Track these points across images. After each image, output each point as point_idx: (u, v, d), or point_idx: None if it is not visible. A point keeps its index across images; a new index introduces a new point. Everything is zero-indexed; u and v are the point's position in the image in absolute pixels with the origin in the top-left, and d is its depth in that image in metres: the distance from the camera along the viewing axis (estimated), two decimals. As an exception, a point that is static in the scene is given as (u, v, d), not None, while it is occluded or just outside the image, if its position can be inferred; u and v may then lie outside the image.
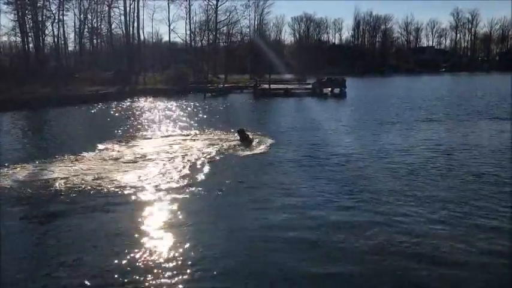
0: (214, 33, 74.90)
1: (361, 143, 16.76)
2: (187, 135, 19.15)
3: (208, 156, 14.23)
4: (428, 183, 11.04)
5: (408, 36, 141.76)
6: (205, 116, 27.06)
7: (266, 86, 48.48)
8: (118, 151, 15.41)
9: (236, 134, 17.22)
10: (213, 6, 73.42)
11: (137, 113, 29.99)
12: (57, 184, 11.07)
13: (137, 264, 7.01)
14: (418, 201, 9.76)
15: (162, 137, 19.11)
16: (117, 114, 28.97)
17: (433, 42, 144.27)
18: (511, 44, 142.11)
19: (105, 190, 10.57)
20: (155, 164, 13.26)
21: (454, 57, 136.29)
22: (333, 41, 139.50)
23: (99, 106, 34.36)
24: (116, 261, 7.06)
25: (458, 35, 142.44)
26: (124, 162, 13.52)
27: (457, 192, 10.38)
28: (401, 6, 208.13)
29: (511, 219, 8.75)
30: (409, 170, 12.35)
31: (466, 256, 7.26)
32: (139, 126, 22.57)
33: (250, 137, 17.07)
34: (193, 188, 10.73)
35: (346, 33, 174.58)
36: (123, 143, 17.08)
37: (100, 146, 16.08)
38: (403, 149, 15.33)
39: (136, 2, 63.36)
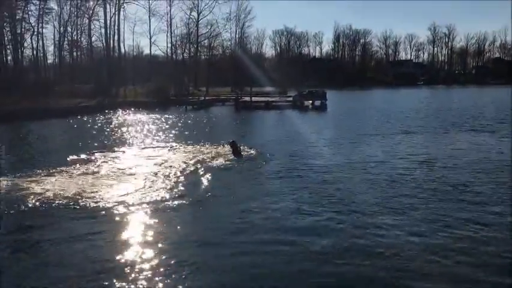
0: (195, 46, 75.08)
1: (341, 155, 16.96)
2: (169, 148, 19.05)
3: (189, 170, 14.20)
4: (404, 194, 11.22)
5: (387, 49, 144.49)
6: (186, 129, 27.00)
7: (247, 98, 48.70)
8: (97, 165, 15.27)
9: (228, 146, 17.21)
10: (194, 20, 73.71)
11: (117, 126, 29.75)
12: (32, 198, 10.87)
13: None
14: (395, 211, 9.92)
15: (142, 149, 19.02)
16: (96, 127, 28.72)
17: (411, 55, 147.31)
18: (487, 58, 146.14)
19: (82, 205, 10.42)
20: (135, 178, 13.14)
21: (432, 70, 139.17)
22: (314, 54, 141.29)
23: (78, 119, 34.02)
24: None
25: (435, 49, 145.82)
26: (103, 176, 13.42)
27: (433, 202, 10.57)
28: (380, 21, 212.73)
29: (486, 229, 8.94)
30: (387, 180, 12.54)
31: (439, 268, 7.39)
32: (119, 140, 22.40)
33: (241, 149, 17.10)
34: (173, 202, 10.68)
35: (327, 47, 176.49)
36: (102, 157, 16.92)
37: (77, 159, 15.93)
38: (381, 160, 15.57)
39: (117, 15, 63.34)
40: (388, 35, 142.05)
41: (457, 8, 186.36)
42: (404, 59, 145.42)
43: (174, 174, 13.47)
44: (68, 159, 15.94)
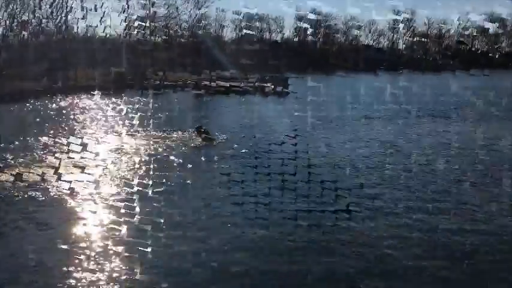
0: (151, 28, 72.53)
1: (302, 140, 16.23)
2: (130, 135, 17.87)
3: (153, 157, 13.25)
4: (366, 178, 10.99)
5: (348, 35, 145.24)
6: (143, 115, 25.46)
7: (207, 83, 47.37)
8: (55, 156, 13.94)
9: (194, 132, 16.51)
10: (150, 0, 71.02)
11: (67, 112, 27.90)
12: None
13: None
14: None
15: (101, 138, 17.66)
16: (50, 113, 26.79)
17: (372, 41, 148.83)
18: (447, 44, 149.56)
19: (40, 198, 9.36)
20: (96, 166, 12.04)
21: (393, 56, 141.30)
22: (275, 38, 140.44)
23: (25, 105, 31.73)
24: None
25: (395, 35, 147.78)
26: (64, 166, 12.18)
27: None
28: (342, 5, 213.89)
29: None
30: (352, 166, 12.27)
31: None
32: (75, 126, 20.84)
33: (208, 134, 16.37)
34: (134, 190, 9.80)
35: (288, 32, 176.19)
36: (58, 146, 15.51)
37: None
38: (346, 147, 15.15)
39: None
40: (350, 19, 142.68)
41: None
42: (366, 44, 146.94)
43: (137, 162, 12.51)
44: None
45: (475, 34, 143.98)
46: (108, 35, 76.92)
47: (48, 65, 52.76)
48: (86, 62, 60.64)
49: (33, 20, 65.65)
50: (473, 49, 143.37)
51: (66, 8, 60.34)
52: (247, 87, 45.10)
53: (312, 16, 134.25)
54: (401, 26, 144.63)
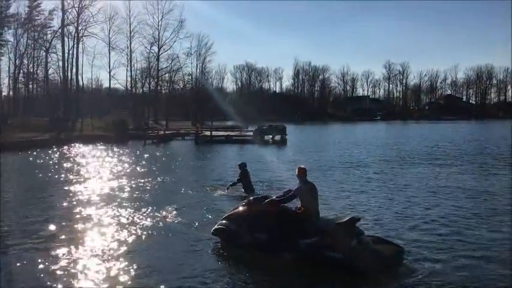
0: (155, 80, 74.86)
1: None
2: (123, 184, 18.47)
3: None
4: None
5: (345, 85, 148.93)
6: (144, 164, 26.36)
7: (208, 132, 48.56)
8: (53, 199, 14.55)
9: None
10: (154, 54, 73.81)
11: (71, 160, 28.75)
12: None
13: None
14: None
15: (99, 186, 18.31)
16: (51, 162, 27.62)
17: (368, 91, 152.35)
18: (439, 94, 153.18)
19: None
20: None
21: (388, 106, 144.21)
22: (274, 89, 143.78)
23: (29, 154, 32.66)
24: None
25: (391, 85, 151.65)
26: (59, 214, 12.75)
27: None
28: (338, 58, 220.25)
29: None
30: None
31: None
32: (73, 175, 21.56)
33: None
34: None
35: (287, 82, 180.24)
36: (54, 193, 16.17)
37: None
38: (337, 191, 15.82)
39: (75, 48, 62.58)
40: (345, 71, 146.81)
41: (410, 48, 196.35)
42: (361, 95, 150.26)
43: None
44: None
45: (464, 85, 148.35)
46: (113, 87, 79.84)
47: (54, 115, 54.31)
48: (91, 113, 62.43)
49: (40, 72, 68.02)
50: (463, 99, 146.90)
51: (74, 60, 62.52)
52: (246, 136, 46.25)
53: (309, 67, 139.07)
54: (395, 77, 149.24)
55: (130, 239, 10.29)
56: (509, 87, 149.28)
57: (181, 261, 8.97)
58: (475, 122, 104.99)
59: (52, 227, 11.30)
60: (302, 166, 9.32)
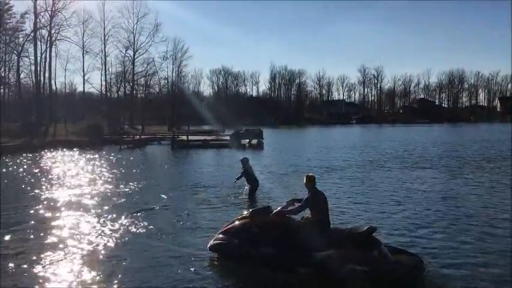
0: (131, 84, 74.09)
1: (275, 189, 17.10)
2: (96, 190, 18.21)
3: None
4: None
5: (321, 89, 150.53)
6: (120, 170, 26.02)
7: (184, 137, 48.33)
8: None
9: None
10: (130, 58, 73.07)
11: (44, 166, 28.17)
12: None
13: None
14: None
15: (70, 193, 17.99)
16: (22, 169, 27.00)
17: (343, 95, 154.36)
18: (413, 98, 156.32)
19: None
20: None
21: (363, 110, 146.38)
22: (251, 93, 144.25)
23: (0, 160, 31.90)
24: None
25: (366, 89, 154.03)
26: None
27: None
28: (314, 62, 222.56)
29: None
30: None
31: None
32: (46, 182, 21.13)
33: None
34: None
35: (263, 86, 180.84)
36: (25, 201, 15.83)
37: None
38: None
39: (48, 52, 61.46)
40: (321, 75, 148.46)
41: (384, 52, 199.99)
42: (337, 98, 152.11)
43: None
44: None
45: (437, 89, 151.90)
46: (88, 91, 78.61)
47: (26, 120, 53.10)
48: (65, 118, 61.30)
49: (11, 76, 66.40)
50: (436, 103, 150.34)
51: (46, 64, 61.40)
52: (223, 140, 46.18)
53: (285, 71, 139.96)
54: (370, 82, 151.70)
55: (104, 249, 10.12)
56: (480, 91, 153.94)
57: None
58: (447, 125, 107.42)
59: (21, 235, 11.09)
60: (311, 174, 8.88)
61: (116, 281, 8.12)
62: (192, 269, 8.61)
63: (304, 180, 8.70)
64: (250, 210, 9.29)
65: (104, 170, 25.82)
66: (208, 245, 9.18)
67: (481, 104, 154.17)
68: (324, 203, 8.53)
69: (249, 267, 8.44)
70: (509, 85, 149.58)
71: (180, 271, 8.55)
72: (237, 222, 9.04)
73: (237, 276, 8.41)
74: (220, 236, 9.09)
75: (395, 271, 7.57)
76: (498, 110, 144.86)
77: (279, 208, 8.78)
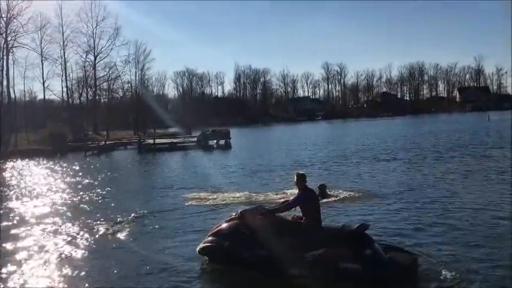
0: (93, 90, 72.74)
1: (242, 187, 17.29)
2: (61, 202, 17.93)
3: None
4: None
5: (286, 87, 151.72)
6: (86, 177, 25.58)
7: (151, 141, 47.94)
8: None
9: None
10: (91, 63, 71.74)
11: (5, 177, 27.42)
12: None
13: None
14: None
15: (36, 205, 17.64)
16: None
17: (308, 92, 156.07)
18: (376, 92, 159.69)
19: None
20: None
21: (328, 106, 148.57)
22: (216, 93, 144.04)
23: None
24: None
25: (330, 85, 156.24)
26: None
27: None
28: (277, 60, 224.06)
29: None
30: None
31: None
32: (8, 193, 20.64)
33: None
34: None
35: (229, 86, 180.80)
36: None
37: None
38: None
39: (5, 60, 59.54)
40: (286, 73, 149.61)
41: (346, 48, 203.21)
42: (302, 95, 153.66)
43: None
44: None
45: (398, 83, 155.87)
46: (48, 99, 76.57)
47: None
48: (26, 126, 59.57)
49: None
50: (398, 96, 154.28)
51: (4, 72, 59.51)
52: (190, 142, 46.05)
53: (249, 71, 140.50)
54: (333, 78, 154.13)
55: (75, 258, 10.07)
56: (439, 82, 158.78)
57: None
58: (409, 117, 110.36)
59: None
60: (301, 172, 8.51)
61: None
62: (180, 274, 8.39)
63: (295, 178, 8.38)
64: (240, 211, 8.82)
65: (69, 177, 25.39)
66: (198, 248, 8.85)
67: (441, 95, 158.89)
68: (315, 201, 8.35)
69: (239, 269, 8.21)
70: (467, 75, 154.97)
71: (167, 277, 8.33)
72: (226, 224, 8.68)
73: (227, 279, 8.31)
74: (210, 238, 8.74)
75: (388, 268, 7.33)
76: (457, 100, 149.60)
77: (268, 207, 8.65)
